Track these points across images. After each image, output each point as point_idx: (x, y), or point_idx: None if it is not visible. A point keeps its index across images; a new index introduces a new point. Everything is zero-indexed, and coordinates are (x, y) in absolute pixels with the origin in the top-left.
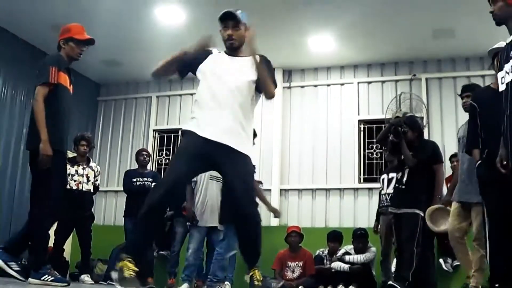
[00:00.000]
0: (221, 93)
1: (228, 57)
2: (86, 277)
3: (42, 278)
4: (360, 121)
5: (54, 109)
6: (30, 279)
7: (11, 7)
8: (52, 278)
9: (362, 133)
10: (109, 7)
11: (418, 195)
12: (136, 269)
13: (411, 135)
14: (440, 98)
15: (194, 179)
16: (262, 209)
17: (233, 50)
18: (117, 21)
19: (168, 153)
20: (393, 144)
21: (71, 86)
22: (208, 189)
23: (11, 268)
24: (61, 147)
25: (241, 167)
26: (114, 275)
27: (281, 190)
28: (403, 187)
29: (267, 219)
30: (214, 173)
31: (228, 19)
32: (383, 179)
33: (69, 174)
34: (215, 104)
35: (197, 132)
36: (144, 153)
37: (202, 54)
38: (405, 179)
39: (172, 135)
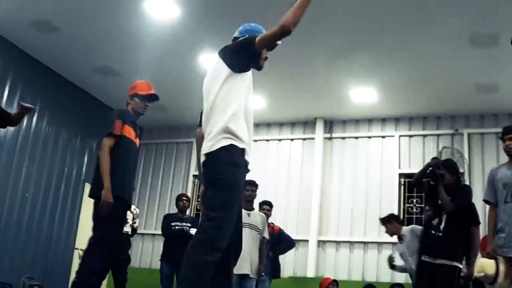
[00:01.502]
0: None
1: None
2: None
3: None
4: (400, 175)
5: (118, 160)
6: None
7: (58, 49)
8: None
9: (402, 186)
10: (156, 55)
11: (457, 245)
12: None
13: (450, 178)
14: (482, 153)
15: None
16: (301, 260)
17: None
18: (163, 68)
19: None
20: (430, 187)
21: (137, 139)
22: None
23: None
24: (123, 195)
25: None
26: None
27: (318, 241)
28: (440, 234)
29: (304, 270)
30: (245, 219)
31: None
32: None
33: None
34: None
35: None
36: (184, 198)
37: None
38: (442, 225)
39: None
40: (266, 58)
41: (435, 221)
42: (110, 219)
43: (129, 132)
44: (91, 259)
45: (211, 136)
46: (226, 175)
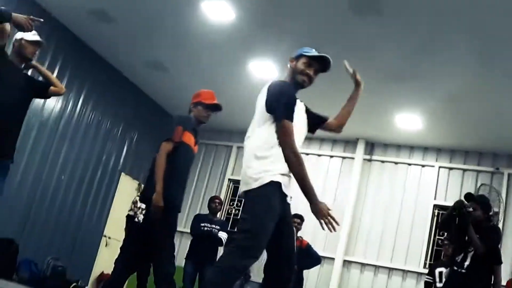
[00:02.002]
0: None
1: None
2: None
3: None
4: (435, 206)
5: (175, 166)
6: None
7: (112, 39)
8: None
9: (435, 218)
10: (206, 56)
11: (480, 284)
12: None
13: (481, 215)
14: None
15: None
16: (325, 278)
17: (300, 88)
18: (211, 70)
19: (239, 204)
20: (459, 229)
21: (196, 146)
22: None
23: None
24: (175, 201)
25: None
26: None
27: (344, 261)
28: (463, 271)
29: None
30: None
31: (323, 67)
32: (439, 272)
33: (139, 208)
34: None
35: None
36: (217, 200)
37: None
38: (467, 263)
39: None
40: (309, 76)
41: (458, 258)
42: (160, 226)
43: (189, 138)
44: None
45: None
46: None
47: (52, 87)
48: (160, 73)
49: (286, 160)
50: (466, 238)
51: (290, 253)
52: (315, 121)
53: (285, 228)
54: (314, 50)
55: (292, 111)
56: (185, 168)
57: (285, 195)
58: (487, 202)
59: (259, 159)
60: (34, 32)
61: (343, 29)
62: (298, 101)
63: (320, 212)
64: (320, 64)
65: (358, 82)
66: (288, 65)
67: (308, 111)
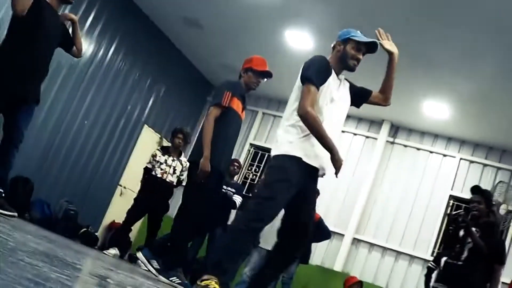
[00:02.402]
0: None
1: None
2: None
3: (170, 279)
4: (451, 196)
5: (222, 130)
6: (160, 276)
7: None
8: (179, 281)
9: (449, 208)
10: (243, 19)
11: (476, 279)
12: None
13: (484, 209)
14: None
15: None
16: (332, 253)
17: (350, 71)
18: (245, 33)
19: (257, 170)
20: (464, 234)
21: (243, 112)
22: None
23: (151, 265)
24: (220, 166)
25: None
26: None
27: (354, 239)
28: (460, 263)
29: (332, 263)
30: None
31: (371, 50)
32: (445, 261)
33: (157, 162)
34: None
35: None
36: (236, 163)
37: None
38: (464, 255)
39: (267, 153)
40: (359, 60)
41: (456, 248)
42: (204, 190)
43: (237, 105)
44: (180, 229)
45: None
46: None
47: (74, 47)
48: (195, 30)
49: (303, 122)
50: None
51: (306, 225)
52: (360, 95)
53: (303, 201)
54: (359, 32)
55: (319, 78)
56: (232, 134)
57: (311, 168)
58: (490, 197)
59: (286, 128)
60: None
61: (380, 8)
62: (336, 77)
63: (339, 162)
64: (368, 47)
65: (389, 51)
66: (334, 47)
67: (352, 87)
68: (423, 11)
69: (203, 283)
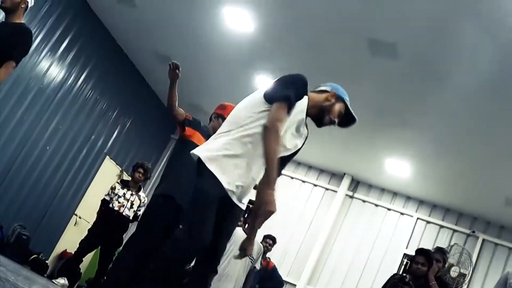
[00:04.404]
0: None
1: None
2: None
3: None
4: (405, 255)
5: (181, 161)
6: None
7: (128, 24)
8: None
9: (403, 267)
10: (216, 60)
11: None
12: None
13: (426, 270)
14: (489, 263)
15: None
16: None
17: (318, 126)
18: (217, 74)
19: None
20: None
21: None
22: (232, 260)
23: None
24: (173, 193)
25: None
26: None
27: None
28: None
29: None
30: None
31: (344, 124)
32: None
33: (116, 194)
34: None
35: None
36: None
37: None
38: None
39: None
40: (335, 122)
41: None
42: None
43: (199, 138)
44: (122, 257)
45: None
46: None
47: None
48: (165, 66)
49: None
50: None
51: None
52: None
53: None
54: (346, 95)
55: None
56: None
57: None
58: (446, 253)
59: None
60: None
61: (354, 63)
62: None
63: (267, 204)
64: (346, 120)
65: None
66: (324, 92)
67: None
68: None
69: None
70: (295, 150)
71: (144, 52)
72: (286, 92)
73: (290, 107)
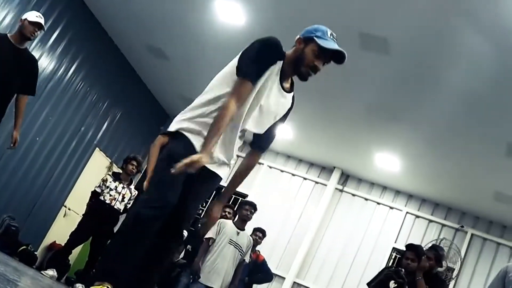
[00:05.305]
0: None
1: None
2: (80, 287)
3: None
4: (394, 249)
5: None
6: None
7: (119, 15)
8: None
9: (391, 260)
10: (208, 53)
11: None
12: None
13: (415, 265)
14: (477, 258)
15: (214, 237)
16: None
17: (302, 79)
18: (210, 68)
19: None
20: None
21: None
22: (223, 251)
23: None
24: None
25: None
26: None
27: (294, 282)
28: None
29: None
30: (234, 237)
31: (336, 60)
32: None
33: (108, 187)
34: None
35: None
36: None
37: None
38: None
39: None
40: (317, 70)
41: None
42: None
43: None
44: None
45: None
46: None
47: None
48: (159, 60)
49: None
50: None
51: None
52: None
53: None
54: (329, 33)
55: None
56: None
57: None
58: (421, 252)
59: None
60: (38, 14)
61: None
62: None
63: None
64: (333, 56)
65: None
66: (294, 44)
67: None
68: None
69: None
70: (284, 112)
71: (135, 44)
72: (247, 69)
73: (253, 82)
